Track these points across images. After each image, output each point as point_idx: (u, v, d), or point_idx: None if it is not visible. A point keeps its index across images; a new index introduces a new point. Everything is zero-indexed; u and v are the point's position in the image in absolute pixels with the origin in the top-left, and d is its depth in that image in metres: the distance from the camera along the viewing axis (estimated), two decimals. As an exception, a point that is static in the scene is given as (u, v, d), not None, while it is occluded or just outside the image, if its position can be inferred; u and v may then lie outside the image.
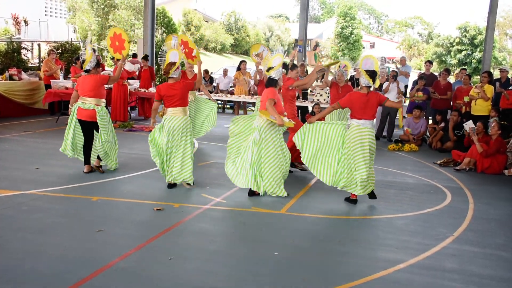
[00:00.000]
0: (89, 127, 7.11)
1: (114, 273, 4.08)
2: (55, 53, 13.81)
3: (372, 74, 6.31)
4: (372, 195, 6.41)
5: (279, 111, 6.36)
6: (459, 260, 4.79)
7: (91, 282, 3.90)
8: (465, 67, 33.23)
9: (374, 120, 6.43)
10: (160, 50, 7.24)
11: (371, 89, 6.38)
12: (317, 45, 13.40)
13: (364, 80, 6.31)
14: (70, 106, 7.27)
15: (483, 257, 4.91)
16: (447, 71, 12.35)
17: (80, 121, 7.12)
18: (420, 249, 4.98)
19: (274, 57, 6.75)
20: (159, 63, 7.28)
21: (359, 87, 6.46)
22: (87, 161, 7.26)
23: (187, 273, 4.18)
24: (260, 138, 6.38)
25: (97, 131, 7.11)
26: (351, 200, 6.48)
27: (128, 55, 13.05)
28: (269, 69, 6.63)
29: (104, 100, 7.19)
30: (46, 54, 14.61)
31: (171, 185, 6.72)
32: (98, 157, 7.33)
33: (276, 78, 6.52)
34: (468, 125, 9.32)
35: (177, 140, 6.65)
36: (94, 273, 4.04)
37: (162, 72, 6.81)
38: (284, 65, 7.53)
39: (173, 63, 6.67)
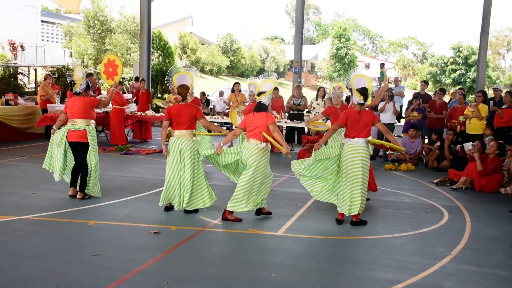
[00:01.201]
0: (81, 149, 7.08)
1: (110, 298, 4.05)
2: (52, 78, 13.88)
3: (363, 91, 6.37)
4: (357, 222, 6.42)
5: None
6: (457, 279, 4.77)
7: (87, 307, 3.87)
8: (461, 86, 33.48)
9: (369, 138, 6.44)
10: (167, 74, 7.26)
11: (364, 107, 6.45)
12: (383, 64, 13.48)
13: (356, 98, 6.37)
14: (54, 127, 7.19)
15: (481, 276, 4.89)
16: (443, 91, 12.46)
17: (70, 144, 7.11)
18: (418, 269, 4.96)
19: (264, 82, 6.75)
20: (167, 85, 7.34)
21: (350, 104, 6.56)
22: (73, 183, 7.22)
23: (184, 296, 4.15)
24: (251, 164, 6.20)
25: (83, 153, 7.05)
26: (339, 220, 6.47)
27: (121, 81, 13.13)
28: (260, 93, 6.60)
29: (94, 122, 7.18)
30: (43, 79, 14.69)
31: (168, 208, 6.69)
32: (80, 190, 7.17)
33: (266, 104, 6.48)
34: (467, 146, 9.42)
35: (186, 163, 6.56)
36: (90, 298, 4.00)
37: (176, 93, 6.77)
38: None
39: (187, 87, 6.69)
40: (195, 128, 6.67)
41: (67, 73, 7.51)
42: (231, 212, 6.31)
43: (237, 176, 6.70)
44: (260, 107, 6.41)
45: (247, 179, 6.17)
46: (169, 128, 6.58)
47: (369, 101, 6.54)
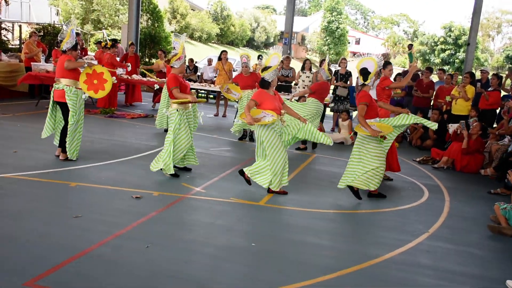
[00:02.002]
0: (64, 109, 6.99)
1: (90, 260, 4.06)
2: (37, 35, 13.57)
3: (362, 72, 6.36)
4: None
5: (276, 108, 6.16)
6: (433, 256, 4.87)
7: (66, 268, 3.88)
8: (444, 67, 33.59)
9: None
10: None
11: (365, 87, 6.42)
12: (411, 44, 13.35)
13: (358, 80, 6.45)
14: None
15: (456, 254, 5.00)
16: (430, 70, 12.47)
17: (57, 103, 7.04)
18: (395, 245, 5.05)
19: (272, 56, 6.67)
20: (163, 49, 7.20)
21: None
22: (61, 144, 7.16)
23: (163, 261, 4.18)
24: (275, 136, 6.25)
25: (65, 113, 6.98)
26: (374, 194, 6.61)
27: (114, 43, 12.84)
28: (264, 69, 6.42)
29: (77, 83, 6.97)
30: (28, 36, 14.35)
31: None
32: (63, 150, 7.12)
33: (269, 81, 6.33)
34: (453, 127, 9.52)
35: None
36: (70, 259, 4.01)
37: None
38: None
39: (175, 54, 6.66)
40: (173, 98, 6.67)
41: (60, 33, 7.16)
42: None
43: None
44: (263, 84, 6.31)
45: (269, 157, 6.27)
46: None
47: (369, 81, 6.39)
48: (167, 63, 11.78)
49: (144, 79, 12.94)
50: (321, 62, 10.07)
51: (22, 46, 14.76)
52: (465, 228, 5.84)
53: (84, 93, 7.00)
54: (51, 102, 7.09)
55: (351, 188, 6.43)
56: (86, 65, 7.04)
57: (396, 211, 6.25)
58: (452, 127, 9.60)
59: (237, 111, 10.50)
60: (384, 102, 7.08)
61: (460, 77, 13.18)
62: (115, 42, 13.45)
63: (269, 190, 6.39)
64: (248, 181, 6.56)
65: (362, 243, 5.08)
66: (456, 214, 6.37)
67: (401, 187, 7.47)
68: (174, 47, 6.79)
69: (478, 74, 12.80)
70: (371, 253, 4.77)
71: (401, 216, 6.07)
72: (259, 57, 13.49)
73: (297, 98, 9.98)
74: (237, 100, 10.15)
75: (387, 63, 7.54)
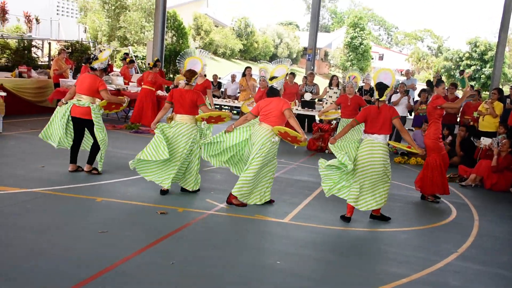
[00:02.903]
0: (81, 126, 7.11)
1: (115, 276, 4.07)
2: (66, 52, 13.86)
3: (378, 86, 6.07)
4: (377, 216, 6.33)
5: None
6: (462, 277, 4.75)
7: (91, 283, 3.89)
8: (471, 83, 33.11)
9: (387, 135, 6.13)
10: (179, 55, 7.16)
11: (383, 102, 6.14)
12: (463, 70, 13.43)
13: (375, 93, 6.15)
14: (63, 101, 7.12)
15: (487, 275, 4.86)
16: (454, 86, 12.29)
17: (73, 118, 7.11)
18: (423, 265, 4.94)
19: (278, 67, 6.69)
20: (178, 67, 7.26)
21: (374, 101, 6.31)
22: (73, 160, 7.26)
23: (188, 278, 4.16)
24: (259, 152, 6.19)
25: (89, 129, 7.10)
26: (379, 217, 6.32)
27: (132, 60, 13.09)
28: (272, 78, 6.54)
29: (99, 100, 7.12)
30: (57, 53, 14.66)
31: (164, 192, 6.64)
32: (88, 162, 7.24)
33: (278, 88, 6.42)
34: (486, 141, 9.36)
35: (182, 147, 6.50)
36: (95, 275, 4.02)
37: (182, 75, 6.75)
38: (429, 82, 7.33)
39: (194, 72, 6.64)
40: (197, 114, 6.59)
41: (92, 50, 7.40)
42: (236, 197, 6.29)
43: (240, 167, 6.70)
44: (272, 92, 6.37)
45: (253, 169, 6.17)
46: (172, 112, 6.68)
47: (384, 97, 6.13)
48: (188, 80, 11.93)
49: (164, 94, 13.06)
50: (349, 77, 10.06)
51: (51, 63, 15.09)
52: (495, 249, 5.69)
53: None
54: (66, 117, 7.10)
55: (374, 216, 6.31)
56: (124, 104, 7.36)
57: (423, 230, 6.13)
58: (484, 141, 9.44)
59: None
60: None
61: (486, 92, 12.94)
62: (132, 60, 13.84)
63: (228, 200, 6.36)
64: (271, 201, 6.54)
65: (389, 262, 4.99)
66: (486, 233, 6.21)
67: (427, 205, 7.33)
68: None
69: (506, 90, 12.57)
70: (399, 273, 4.67)
71: (428, 235, 5.95)
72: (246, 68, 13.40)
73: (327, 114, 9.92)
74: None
75: (440, 81, 7.32)
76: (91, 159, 7.22)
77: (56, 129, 7.18)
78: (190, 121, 6.50)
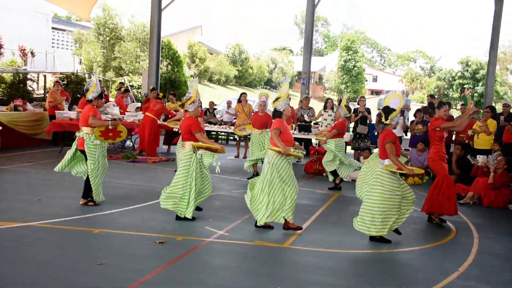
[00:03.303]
0: (85, 156, 7.15)
1: (114, 308, 4.02)
2: (60, 84, 13.92)
3: (384, 110, 6.20)
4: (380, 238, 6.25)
5: (287, 140, 6.33)
6: (465, 296, 4.71)
7: (91, 316, 3.85)
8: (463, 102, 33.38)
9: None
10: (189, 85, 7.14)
11: (388, 126, 6.23)
12: (465, 87, 13.45)
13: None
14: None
15: (490, 294, 4.83)
16: (448, 104, 12.36)
17: (80, 150, 7.20)
18: (425, 285, 4.91)
19: (283, 87, 6.77)
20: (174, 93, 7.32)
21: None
22: (84, 194, 7.25)
23: (188, 308, 4.12)
24: (272, 171, 6.28)
25: (86, 160, 7.12)
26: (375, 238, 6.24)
27: (127, 89, 13.21)
28: (275, 100, 6.62)
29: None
30: (52, 85, 14.72)
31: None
32: (82, 196, 7.23)
33: (281, 110, 6.50)
34: (483, 158, 9.41)
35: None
36: (95, 307, 3.98)
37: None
38: (430, 104, 7.23)
39: (188, 98, 6.75)
40: (193, 141, 6.62)
41: (87, 84, 7.42)
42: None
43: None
44: (274, 114, 6.58)
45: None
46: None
47: (388, 120, 6.18)
48: (181, 107, 12.04)
49: (165, 123, 13.12)
50: (339, 101, 10.19)
51: (47, 95, 15.16)
52: (496, 266, 5.67)
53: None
54: (74, 147, 7.22)
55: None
56: (110, 126, 7.19)
57: (423, 250, 6.11)
58: (481, 158, 9.49)
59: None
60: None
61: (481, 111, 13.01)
62: (126, 90, 14.05)
63: (285, 226, 6.42)
64: (270, 226, 6.54)
65: (390, 283, 4.95)
66: (486, 251, 6.19)
67: (426, 225, 7.31)
68: (189, 91, 6.91)
69: (499, 108, 12.68)
70: (401, 295, 4.64)
71: (429, 255, 5.93)
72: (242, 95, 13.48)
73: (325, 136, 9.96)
74: (243, 137, 10.45)
75: (442, 104, 7.20)
76: (85, 193, 7.21)
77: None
78: (187, 148, 6.63)
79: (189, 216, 6.60)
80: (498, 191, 8.80)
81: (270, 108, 9.20)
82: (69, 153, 7.25)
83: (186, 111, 6.86)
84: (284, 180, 6.31)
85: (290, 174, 6.36)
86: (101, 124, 7.10)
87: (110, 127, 7.15)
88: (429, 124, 7.19)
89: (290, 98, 6.79)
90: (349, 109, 9.58)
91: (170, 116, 12.99)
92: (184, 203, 6.60)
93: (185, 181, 6.56)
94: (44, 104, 13.70)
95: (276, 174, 6.27)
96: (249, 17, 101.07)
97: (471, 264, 5.64)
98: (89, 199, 7.20)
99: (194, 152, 6.61)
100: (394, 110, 6.15)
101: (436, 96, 8.77)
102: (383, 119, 6.24)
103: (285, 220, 6.39)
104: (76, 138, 7.21)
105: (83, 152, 7.11)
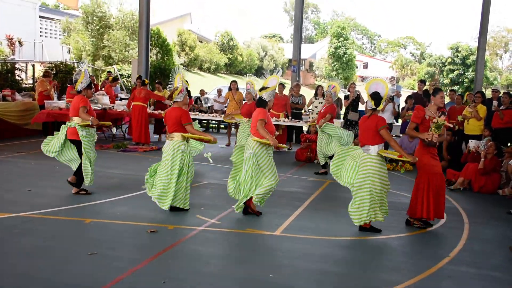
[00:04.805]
0: (76, 146, 7.13)
1: (106, 297, 4.02)
2: (50, 74, 13.74)
3: (374, 96, 6.06)
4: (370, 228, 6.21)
5: (270, 131, 6.30)
6: (455, 281, 4.76)
7: (83, 307, 3.84)
8: (454, 88, 33.56)
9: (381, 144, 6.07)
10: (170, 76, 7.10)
11: (376, 112, 6.12)
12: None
13: (369, 103, 6.10)
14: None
15: (479, 278, 4.88)
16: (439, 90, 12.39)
17: (70, 140, 7.16)
18: (416, 270, 4.95)
19: (270, 78, 6.73)
20: (168, 88, 7.15)
21: (365, 111, 6.24)
22: (77, 183, 7.24)
23: (181, 296, 4.12)
24: (254, 161, 6.27)
25: (78, 150, 7.12)
26: (365, 228, 6.17)
27: (116, 78, 13.15)
28: (262, 89, 6.58)
29: (92, 118, 7.08)
30: (41, 75, 14.50)
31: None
32: (73, 184, 7.21)
33: (267, 100, 6.42)
34: (474, 143, 9.47)
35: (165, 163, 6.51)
36: (86, 298, 3.97)
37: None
38: (426, 92, 6.75)
39: (176, 88, 6.63)
40: (183, 132, 6.50)
41: (75, 74, 7.36)
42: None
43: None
44: (259, 103, 6.45)
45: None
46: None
47: (381, 106, 6.16)
48: (169, 99, 11.96)
49: (155, 112, 13.06)
50: (328, 86, 10.14)
51: (35, 85, 15.01)
52: (486, 251, 5.71)
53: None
54: (63, 137, 7.17)
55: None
56: (91, 123, 7.02)
57: (414, 236, 6.15)
58: (472, 143, 9.57)
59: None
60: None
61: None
62: (115, 79, 14.03)
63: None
64: (257, 213, 6.56)
65: (381, 269, 4.98)
66: (477, 236, 6.24)
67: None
68: (171, 80, 6.80)
69: (488, 93, 12.73)
70: (392, 280, 4.67)
71: (419, 241, 5.96)
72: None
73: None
74: (233, 125, 10.51)
75: (437, 90, 6.63)
76: (79, 182, 7.19)
77: (55, 140, 7.28)
78: (176, 138, 6.47)
79: (166, 207, 6.44)
80: (488, 177, 8.87)
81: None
82: (59, 141, 7.18)
83: (175, 101, 6.64)
84: (262, 170, 6.31)
85: (269, 165, 6.32)
86: (84, 119, 7.03)
87: (91, 124, 7.03)
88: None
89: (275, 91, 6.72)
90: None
91: (159, 102, 12.96)
92: (168, 194, 6.46)
93: (170, 172, 6.44)
94: (33, 94, 13.57)
95: (256, 164, 6.28)
96: (239, 4, 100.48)
97: (461, 249, 5.68)
98: (81, 188, 7.17)
99: (184, 143, 6.54)
100: (381, 97, 6.08)
101: (428, 83, 8.63)
102: (373, 105, 6.09)
103: (251, 198, 6.41)
104: (65, 127, 7.15)
105: (73, 141, 7.08)
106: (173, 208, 6.55)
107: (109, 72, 18.74)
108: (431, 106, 6.49)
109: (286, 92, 13.28)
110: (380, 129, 6.00)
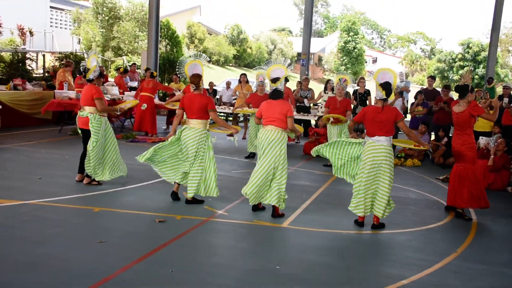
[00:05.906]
0: (86, 136, 7.13)
1: (114, 285, 4.05)
2: (72, 64, 13.65)
3: (385, 86, 5.96)
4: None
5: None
6: (462, 277, 4.75)
7: (91, 294, 3.88)
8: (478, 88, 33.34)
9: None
10: (177, 65, 7.14)
11: (388, 102, 6.05)
12: (492, 78, 12.84)
13: (378, 93, 5.98)
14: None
15: (487, 274, 4.87)
16: (447, 88, 12.29)
17: (80, 129, 7.21)
18: (422, 265, 4.95)
19: (273, 67, 6.61)
20: (177, 74, 7.21)
21: (375, 102, 6.17)
22: (80, 170, 7.29)
23: (187, 286, 4.15)
24: (274, 152, 6.28)
25: (87, 139, 7.12)
26: (359, 222, 6.15)
27: (126, 70, 13.20)
28: (275, 80, 6.44)
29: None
30: (63, 65, 14.32)
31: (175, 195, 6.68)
32: (87, 175, 7.23)
33: (282, 90, 6.42)
34: (484, 140, 9.45)
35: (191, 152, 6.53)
36: (95, 285, 4.01)
37: (188, 82, 6.76)
38: (458, 87, 6.69)
39: (199, 75, 6.64)
40: (207, 119, 6.57)
41: (82, 62, 7.43)
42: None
43: None
44: (276, 95, 6.29)
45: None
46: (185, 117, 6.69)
47: (392, 96, 6.13)
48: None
49: (163, 103, 13.10)
50: (339, 79, 10.09)
51: (46, 74, 15.05)
52: (494, 247, 5.71)
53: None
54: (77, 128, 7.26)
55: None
56: (118, 112, 7.47)
57: (421, 231, 6.14)
58: (482, 140, 9.53)
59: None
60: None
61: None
62: (125, 70, 14.12)
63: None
64: (263, 208, 6.53)
65: (388, 264, 4.99)
66: (484, 233, 6.23)
67: (425, 206, 7.34)
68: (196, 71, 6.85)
69: (499, 90, 12.64)
70: (399, 275, 4.67)
71: (426, 236, 5.96)
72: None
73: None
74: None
75: (471, 89, 6.67)
76: (83, 169, 7.23)
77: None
78: (200, 126, 6.50)
79: (215, 194, 6.65)
80: (498, 174, 8.83)
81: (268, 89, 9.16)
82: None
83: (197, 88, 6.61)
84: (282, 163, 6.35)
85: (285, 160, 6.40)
86: (109, 110, 7.33)
87: (118, 113, 7.44)
88: (464, 108, 6.60)
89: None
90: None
91: (167, 93, 13.06)
92: (208, 183, 6.63)
93: (205, 162, 6.61)
94: (43, 84, 13.63)
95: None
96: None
97: (469, 246, 5.67)
98: (92, 178, 7.20)
99: (207, 131, 6.61)
100: (392, 87, 6.05)
101: (460, 80, 8.50)
102: (384, 95, 5.95)
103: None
104: (77, 118, 7.21)
105: (84, 131, 7.12)
106: (187, 202, 6.58)
107: (118, 68, 18.75)
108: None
109: (293, 85, 13.26)
110: (399, 121, 5.96)
